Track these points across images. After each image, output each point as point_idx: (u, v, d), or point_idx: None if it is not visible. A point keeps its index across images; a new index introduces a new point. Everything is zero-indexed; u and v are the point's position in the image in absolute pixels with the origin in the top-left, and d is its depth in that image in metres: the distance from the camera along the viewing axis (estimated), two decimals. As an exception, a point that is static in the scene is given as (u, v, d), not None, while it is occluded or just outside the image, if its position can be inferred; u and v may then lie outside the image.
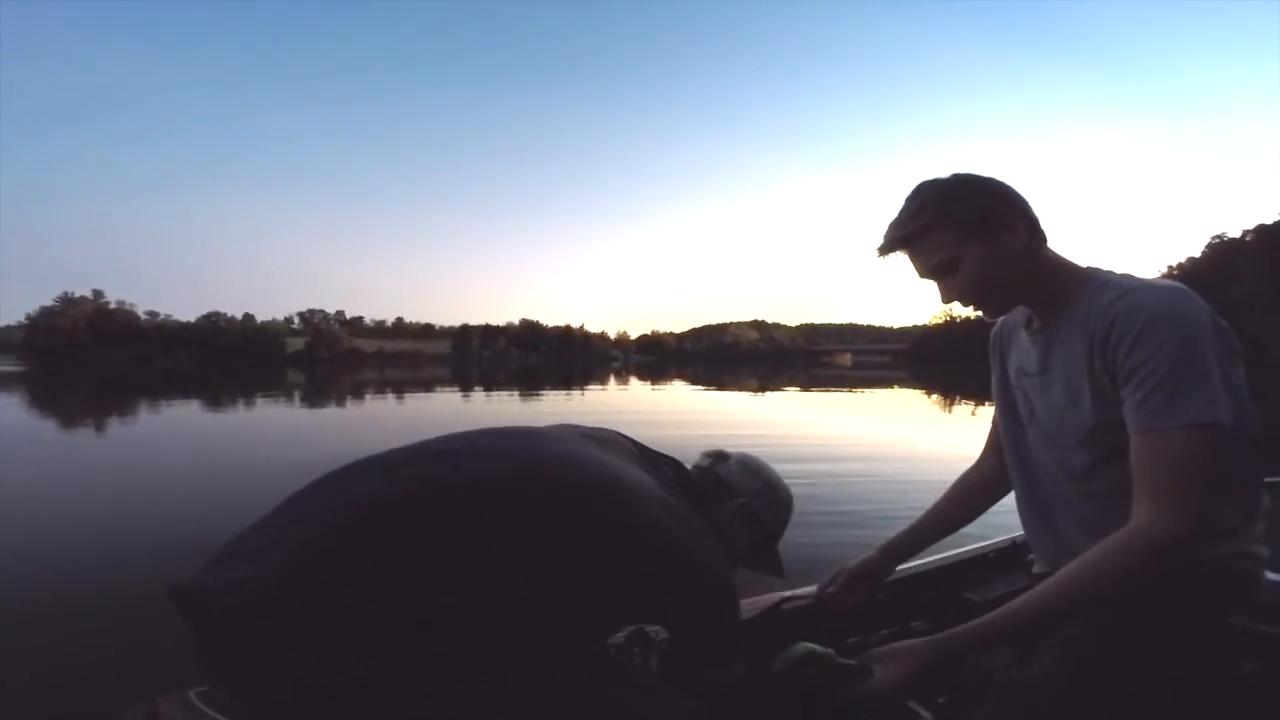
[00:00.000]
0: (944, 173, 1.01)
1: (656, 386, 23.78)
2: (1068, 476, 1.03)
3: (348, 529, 0.75)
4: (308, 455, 6.85)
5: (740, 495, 1.07)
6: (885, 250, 1.03)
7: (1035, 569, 1.20)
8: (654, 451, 1.06)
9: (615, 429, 1.08)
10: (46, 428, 10.57)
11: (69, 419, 11.85)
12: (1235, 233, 44.83)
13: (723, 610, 0.90)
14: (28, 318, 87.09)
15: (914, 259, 1.01)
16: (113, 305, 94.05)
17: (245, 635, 0.69)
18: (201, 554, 0.78)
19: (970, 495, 1.30)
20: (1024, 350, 1.09)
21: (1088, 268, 1.02)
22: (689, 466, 1.11)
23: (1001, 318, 1.18)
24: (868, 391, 20.96)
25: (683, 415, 12.38)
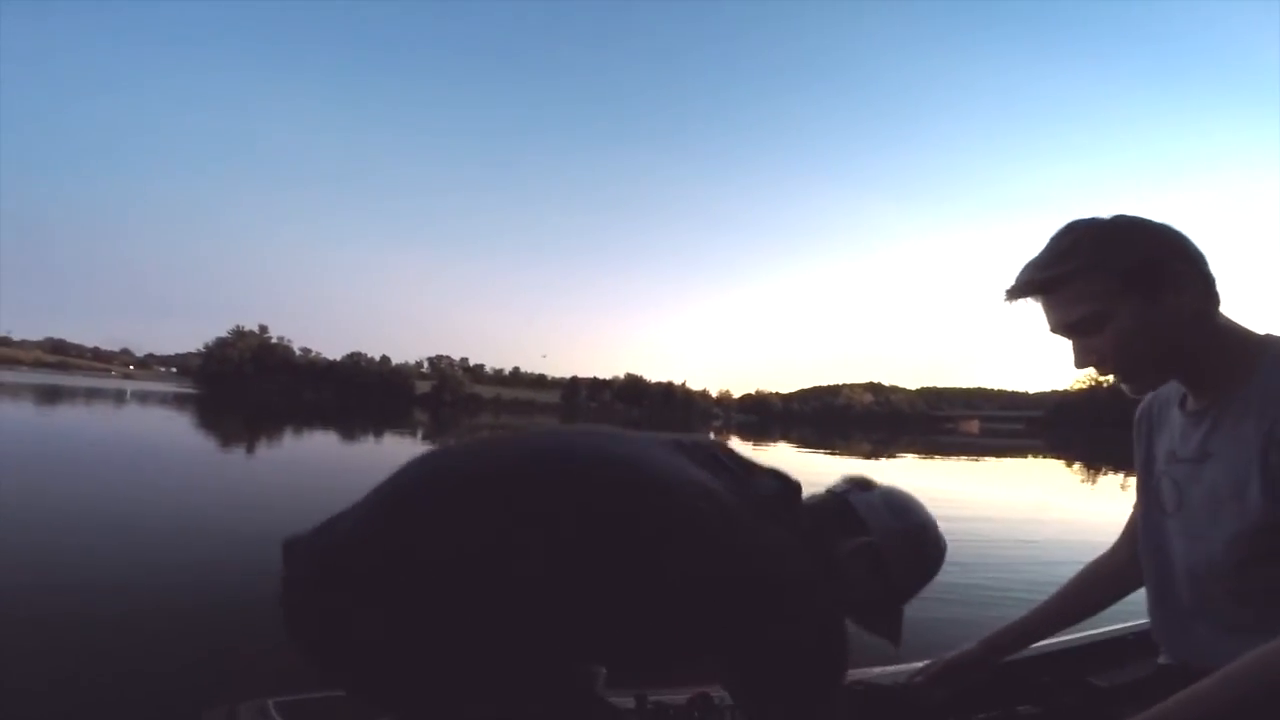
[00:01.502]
0: (1101, 214, 0.87)
1: (758, 447, 23.19)
2: (1214, 574, 0.88)
3: (387, 513, 0.78)
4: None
5: (870, 533, 0.90)
6: (1016, 294, 0.88)
7: (1162, 659, 1.04)
8: (755, 464, 0.93)
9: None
10: (205, 446, 11.91)
11: (226, 439, 13.34)
12: None
13: (803, 646, 0.75)
14: (205, 347, 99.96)
15: (1049, 309, 0.87)
16: (274, 340, 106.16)
17: (313, 590, 0.75)
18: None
19: (1098, 585, 1.15)
20: (1177, 431, 0.95)
21: (1266, 336, 0.86)
22: (823, 491, 0.97)
23: (1152, 393, 1.02)
24: (996, 460, 19.25)
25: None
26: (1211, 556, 0.88)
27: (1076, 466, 16.74)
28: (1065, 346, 0.90)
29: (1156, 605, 1.03)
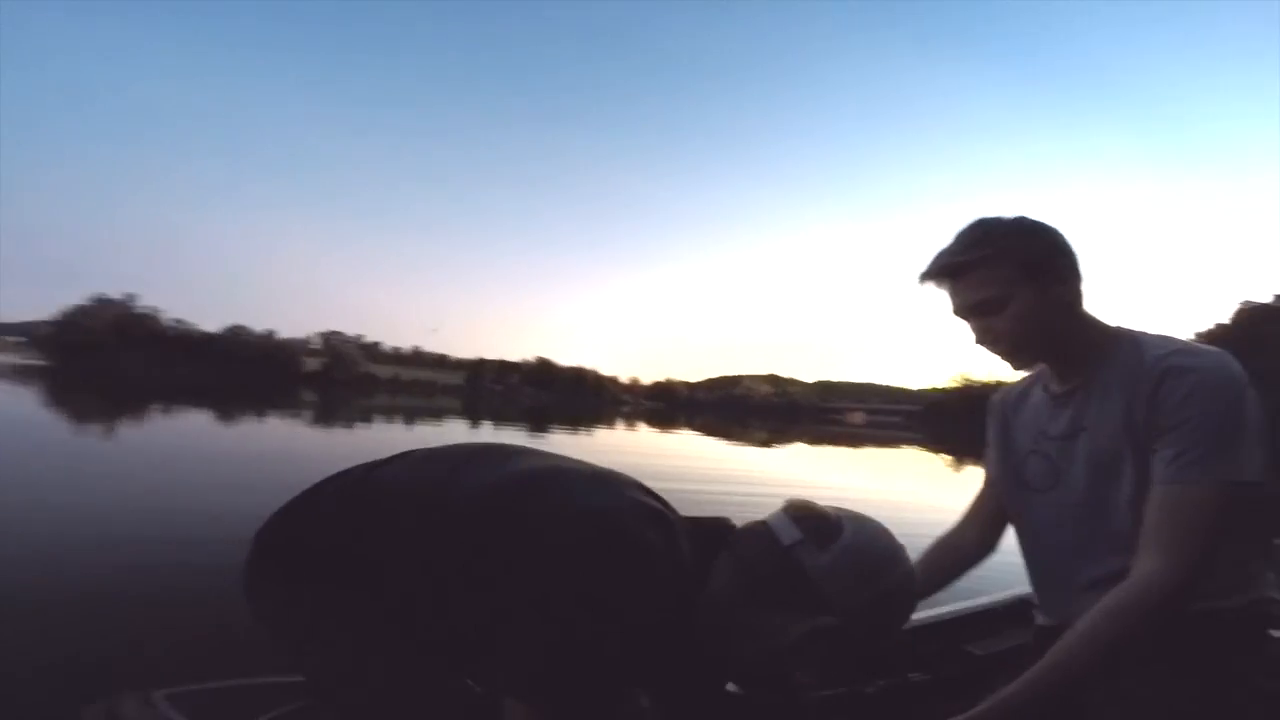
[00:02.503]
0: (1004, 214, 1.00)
1: (665, 432, 23.67)
2: (1099, 536, 0.99)
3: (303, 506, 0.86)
4: (294, 474, 6.83)
5: (832, 610, 0.71)
6: (929, 276, 1.00)
7: (1040, 621, 1.15)
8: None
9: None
10: (52, 425, 10.67)
11: (77, 418, 11.99)
12: (1267, 298, 40.31)
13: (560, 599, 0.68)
14: (60, 315, 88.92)
15: (957, 291, 0.99)
16: (141, 310, 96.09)
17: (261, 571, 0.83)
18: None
19: (944, 561, 1.23)
20: (1044, 414, 1.07)
21: (1116, 327, 1.01)
22: (760, 525, 0.78)
23: (1002, 390, 1.18)
24: (878, 450, 20.67)
25: (686, 461, 12.24)
26: (1104, 522, 0.97)
27: (948, 459, 18.25)
28: (959, 333, 1.03)
29: (1037, 575, 1.13)
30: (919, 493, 9.97)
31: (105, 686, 1.05)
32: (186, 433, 10.85)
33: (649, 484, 0.85)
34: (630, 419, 39.75)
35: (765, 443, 20.95)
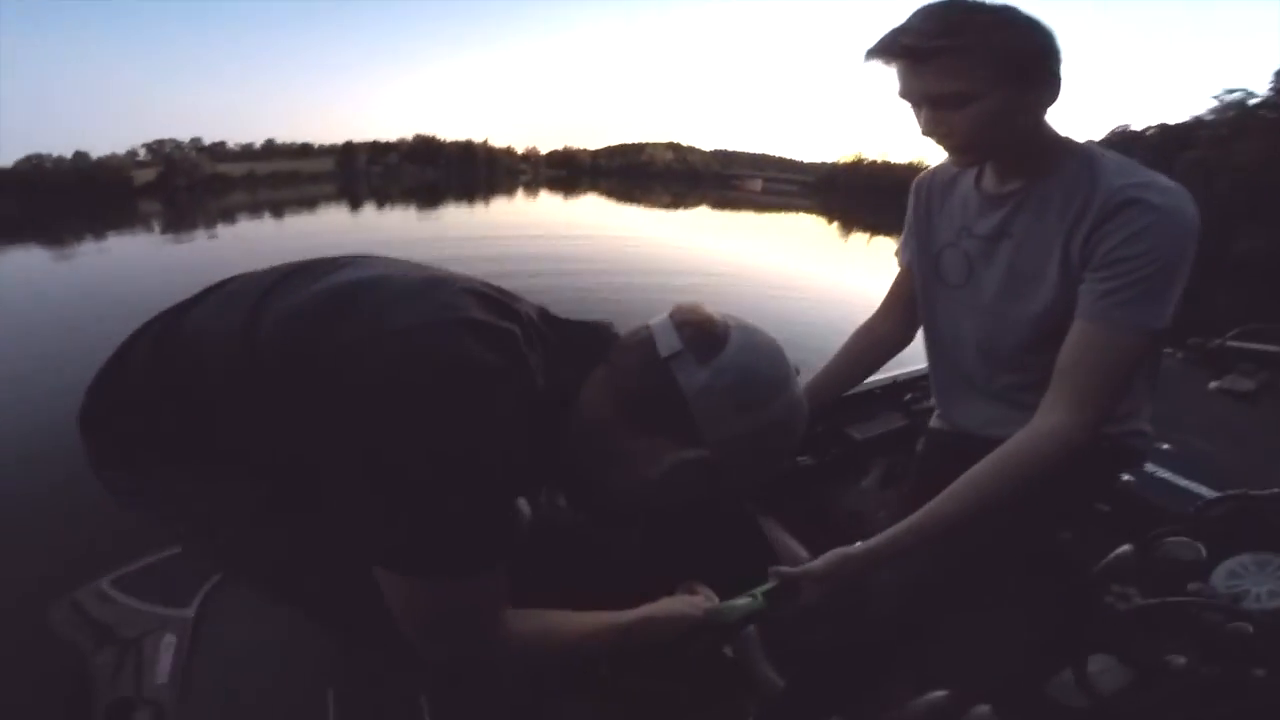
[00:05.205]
0: None
1: (569, 199, 22.85)
2: (1007, 351, 0.98)
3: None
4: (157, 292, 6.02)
5: (703, 442, 0.60)
6: (882, 54, 0.83)
7: (934, 423, 1.19)
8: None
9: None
10: None
11: None
12: (1139, 126, 41.39)
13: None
14: None
15: (915, 75, 0.83)
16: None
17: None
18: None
19: (869, 351, 1.21)
20: (971, 209, 1.00)
21: (1072, 140, 0.90)
22: (644, 331, 0.64)
23: (933, 168, 1.09)
24: (776, 215, 21.11)
25: (591, 243, 11.79)
26: (1006, 333, 0.97)
27: (835, 226, 19.07)
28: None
29: (938, 373, 1.13)
30: (821, 263, 10.27)
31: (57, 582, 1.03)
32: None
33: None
34: (531, 187, 38.04)
35: (670, 205, 20.78)
